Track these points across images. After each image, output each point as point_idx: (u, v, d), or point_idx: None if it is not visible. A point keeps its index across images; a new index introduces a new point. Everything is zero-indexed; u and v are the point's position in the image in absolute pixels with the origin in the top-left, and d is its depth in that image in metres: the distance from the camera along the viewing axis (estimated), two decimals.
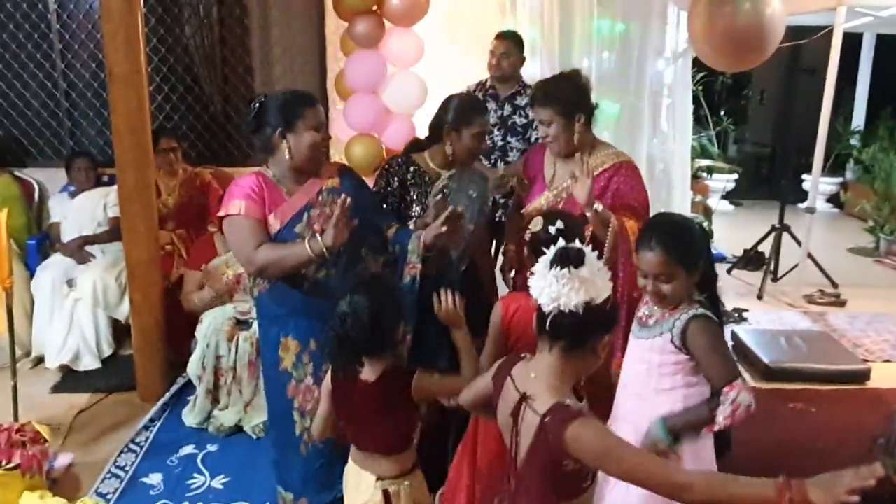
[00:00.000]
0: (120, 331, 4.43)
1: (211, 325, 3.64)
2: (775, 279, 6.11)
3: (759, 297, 5.75)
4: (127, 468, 3.32)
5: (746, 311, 5.37)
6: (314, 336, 2.53)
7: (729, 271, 6.42)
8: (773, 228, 6.20)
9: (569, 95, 2.77)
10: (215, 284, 3.92)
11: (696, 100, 7.47)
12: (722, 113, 8.78)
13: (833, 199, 9.39)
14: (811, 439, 3.64)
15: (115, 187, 3.92)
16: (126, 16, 3.58)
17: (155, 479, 3.26)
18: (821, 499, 1.37)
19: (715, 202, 7.76)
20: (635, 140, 5.19)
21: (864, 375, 4.32)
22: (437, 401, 2.23)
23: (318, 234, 2.40)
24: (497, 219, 3.78)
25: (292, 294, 2.51)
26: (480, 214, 2.99)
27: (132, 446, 3.50)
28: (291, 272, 2.48)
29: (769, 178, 10.23)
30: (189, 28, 5.44)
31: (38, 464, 2.98)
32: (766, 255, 6.19)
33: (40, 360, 4.38)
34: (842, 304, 5.68)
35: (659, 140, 5.36)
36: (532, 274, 1.72)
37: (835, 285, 5.91)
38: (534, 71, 4.62)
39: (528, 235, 2.42)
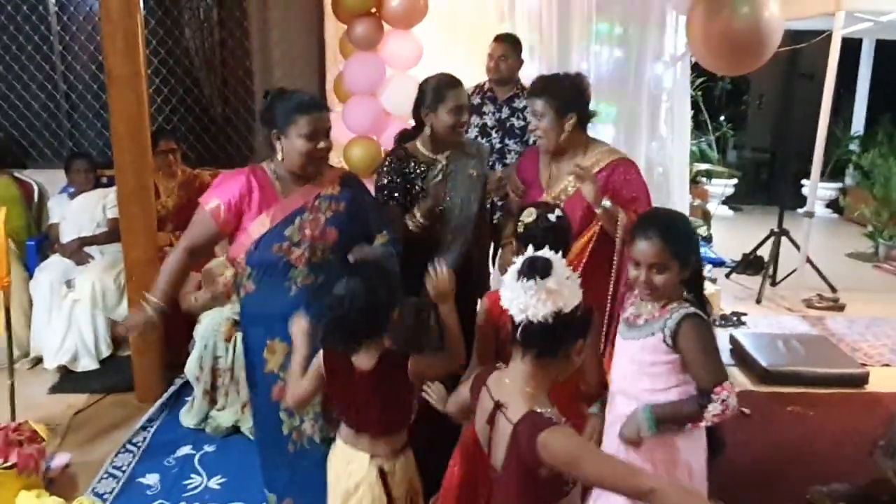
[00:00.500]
0: None
1: (209, 326, 3.65)
2: (774, 283, 6.11)
3: (758, 302, 5.76)
4: (124, 468, 3.33)
5: (745, 314, 5.37)
6: None
7: (728, 276, 6.43)
8: (772, 233, 6.21)
9: (565, 92, 2.78)
10: (213, 288, 3.91)
11: (695, 105, 7.50)
12: (721, 118, 8.81)
13: (832, 205, 9.40)
14: (809, 443, 3.64)
15: (115, 189, 3.93)
16: (125, 18, 3.59)
17: (152, 479, 3.26)
18: None
19: (714, 207, 7.78)
20: (633, 143, 5.19)
21: (862, 379, 4.32)
22: (430, 409, 2.24)
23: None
24: (493, 221, 3.78)
25: (279, 297, 2.48)
26: (483, 192, 3.04)
27: (129, 447, 3.50)
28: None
29: (768, 184, 10.25)
30: (189, 30, 5.45)
31: (35, 463, 2.98)
32: (765, 259, 6.20)
33: (38, 361, 4.39)
34: (840, 308, 5.68)
35: (657, 144, 5.36)
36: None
37: (833, 290, 5.92)
38: (532, 73, 4.61)
39: (520, 227, 2.42)
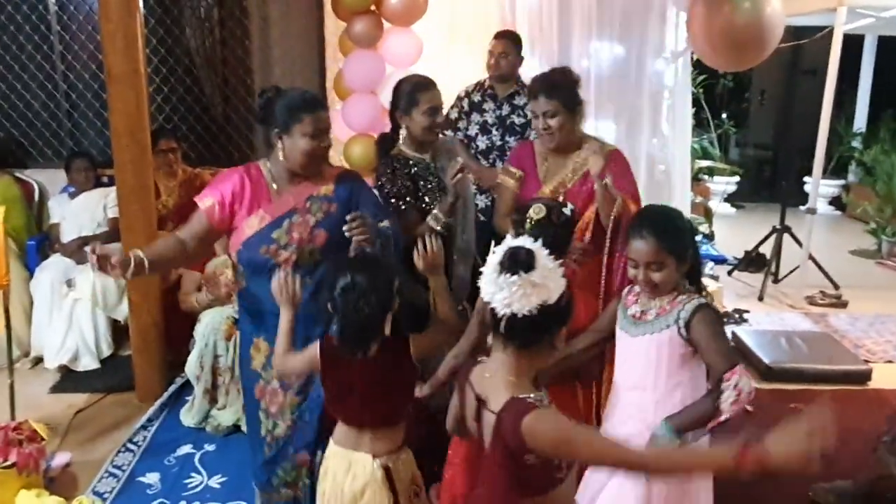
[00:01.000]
0: (119, 331, 4.44)
1: (209, 325, 3.64)
2: (776, 281, 6.10)
3: (760, 299, 5.74)
4: (124, 467, 3.32)
5: (747, 312, 5.35)
6: None
7: (730, 273, 6.41)
8: (775, 230, 6.18)
9: (572, 88, 2.80)
10: (215, 290, 3.91)
11: (697, 102, 7.49)
12: (723, 115, 8.79)
13: (835, 202, 9.37)
14: None
15: (115, 188, 3.92)
16: (124, 16, 3.58)
17: (152, 478, 3.26)
18: (784, 460, 1.32)
19: (716, 204, 7.76)
20: (635, 141, 5.18)
21: (865, 376, 4.30)
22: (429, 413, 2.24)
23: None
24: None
25: (266, 296, 2.42)
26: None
27: (130, 446, 3.50)
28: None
29: (771, 181, 10.21)
30: (189, 29, 5.44)
31: (35, 462, 2.98)
32: (768, 256, 6.18)
33: (39, 361, 4.39)
34: (843, 305, 5.66)
35: (659, 141, 5.34)
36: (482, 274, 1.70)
37: (836, 287, 5.90)
38: (532, 71, 4.61)
39: (528, 223, 2.41)
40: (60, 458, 3.32)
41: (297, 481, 2.57)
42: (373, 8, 4.26)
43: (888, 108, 8.67)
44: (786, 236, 6.11)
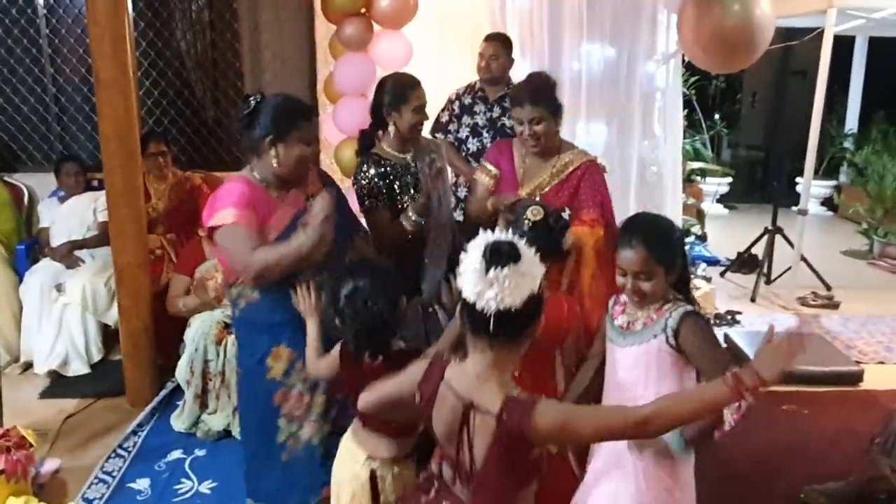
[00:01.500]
0: (109, 336, 4.41)
1: (199, 329, 3.62)
2: (768, 282, 6.10)
3: (753, 300, 5.75)
4: (114, 473, 3.30)
5: (740, 313, 5.35)
6: None
7: (722, 274, 6.42)
8: (766, 231, 6.19)
9: (553, 95, 2.86)
10: (203, 295, 3.88)
11: (689, 104, 7.50)
12: (715, 117, 8.80)
13: (827, 203, 9.39)
14: (804, 441, 3.63)
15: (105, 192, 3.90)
16: (112, 20, 3.56)
17: (142, 484, 3.23)
18: (770, 376, 1.49)
19: (708, 206, 7.77)
20: (626, 142, 5.17)
21: (857, 377, 4.31)
22: None
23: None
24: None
25: (286, 303, 2.41)
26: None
27: (120, 451, 3.47)
28: (288, 271, 2.37)
29: (762, 182, 10.24)
30: (179, 32, 5.43)
31: (23, 469, 2.95)
32: (760, 257, 6.19)
33: (29, 366, 4.35)
34: (835, 306, 5.67)
35: (650, 143, 5.34)
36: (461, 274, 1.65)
37: (828, 287, 5.91)
38: (523, 73, 4.61)
39: (526, 224, 2.40)
40: (50, 465, 3.29)
41: None
42: (363, 11, 4.25)
43: (879, 109, 8.70)
44: (778, 237, 6.12)
